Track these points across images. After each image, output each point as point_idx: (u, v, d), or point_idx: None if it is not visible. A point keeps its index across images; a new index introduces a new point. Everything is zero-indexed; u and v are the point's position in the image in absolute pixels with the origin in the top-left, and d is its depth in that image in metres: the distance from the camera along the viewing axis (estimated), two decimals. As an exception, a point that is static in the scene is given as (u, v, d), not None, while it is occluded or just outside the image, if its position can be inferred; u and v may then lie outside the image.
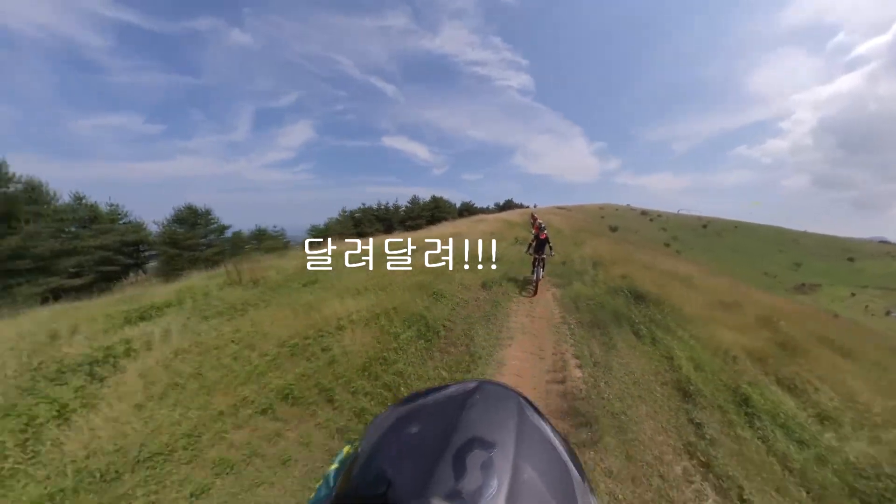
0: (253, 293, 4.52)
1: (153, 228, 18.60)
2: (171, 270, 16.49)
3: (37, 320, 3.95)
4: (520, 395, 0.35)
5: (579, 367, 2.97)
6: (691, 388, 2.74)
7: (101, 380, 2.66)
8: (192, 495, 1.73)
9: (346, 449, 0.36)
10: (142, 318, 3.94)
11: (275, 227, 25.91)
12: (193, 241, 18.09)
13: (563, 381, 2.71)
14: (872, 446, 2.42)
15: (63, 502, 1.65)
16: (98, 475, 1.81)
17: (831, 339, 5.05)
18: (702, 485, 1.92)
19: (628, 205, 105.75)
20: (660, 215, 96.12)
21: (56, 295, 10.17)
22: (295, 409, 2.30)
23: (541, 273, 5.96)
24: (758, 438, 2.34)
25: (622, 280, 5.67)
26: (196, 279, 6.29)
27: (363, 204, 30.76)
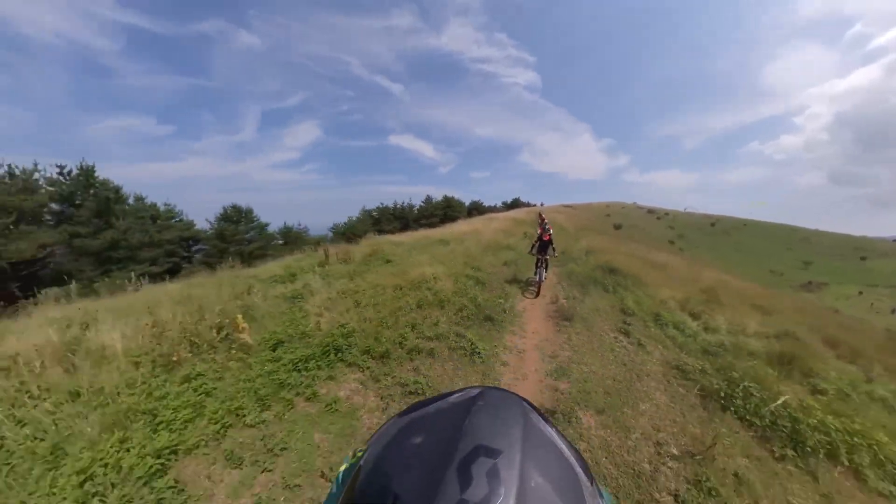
0: (351, 267, 6.75)
1: (203, 226, 21.14)
2: (219, 263, 19.01)
3: (207, 284, 6.18)
4: (524, 400, 0.34)
5: (565, 299, 5.16)
6: (628, 311, 4.88)
7: (300, 305, 4.87)
8: (396, 342, 3.90)
9: (348, 459, 0.36)
10: (287, 281, 6.17)
11: (299, 224, 28.38)
12: (239, 236, 20.60)
13: (555, 303, 4.92)
14: (727, 338, 4.51)
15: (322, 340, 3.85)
16: (337, 333, 4.00)
17: (758, 303, 7.09)
18: (620, 338, 4.07)
19: (635, 203, 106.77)
20: (667, 213, 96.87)
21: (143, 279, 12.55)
22: (426, 310, 4.44)
23: (544, 274, 6.06)
24: (659, 330, 4.46)
25: (605, 262, 7.77)
26: (287, 260, 8.56)
27: (381, 203, 33.09)
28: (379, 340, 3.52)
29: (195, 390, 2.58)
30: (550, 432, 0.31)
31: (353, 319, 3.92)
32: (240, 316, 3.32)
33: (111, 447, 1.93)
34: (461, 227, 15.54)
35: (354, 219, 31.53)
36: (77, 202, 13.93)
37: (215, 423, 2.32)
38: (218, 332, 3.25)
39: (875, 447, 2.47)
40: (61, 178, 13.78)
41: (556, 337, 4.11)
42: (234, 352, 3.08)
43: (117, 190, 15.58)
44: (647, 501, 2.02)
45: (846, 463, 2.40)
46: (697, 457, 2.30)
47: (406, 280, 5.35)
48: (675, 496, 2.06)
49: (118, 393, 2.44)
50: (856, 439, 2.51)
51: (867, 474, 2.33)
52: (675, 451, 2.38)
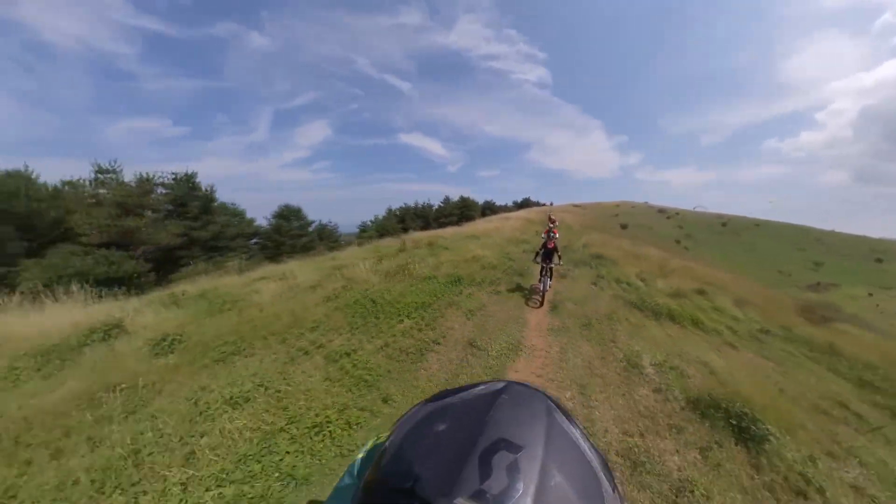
0: (424, 251, 10.27)
1: (262, 223, 25.08)
2: (276, 255, 22.85)
3: (340, 257, 9.77)
4: (549, 397, 0.34)
5: (564, 270, 8.63)
6: (601, 276, 8.31)
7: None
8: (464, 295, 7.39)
9: (371, 442, 0.37)
10: (382, 260, 9.73)
11: (330, 222, 32.23)
12: (293, 232, 24.47)
13: (557, 272, 8.41)
14: (655, 288, 7.88)
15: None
16: (452, 276, 7.52)
17: (699, 277, 10.38)
18: (591, 286, 7.57)
19: (646, 202, 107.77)
20: (678, 213, 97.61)
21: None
22: (487, 270, 7.90)
23: (548, 283, 6.24)
24: (616, 284, 7.87)
25: (595, 252, 11.17)
26: (370, 246, 12.16)
27: (404, 204, 36.78)
28: (474, 279, 7.06)
29: (410, 287, 6.11)
30: (575, 433, 0.31)
31: (456, 271, 7.45)
32: (409, 264, 6.88)
33: (400, 301, 5.49)
34: (484, 225, 19.05)
35: (381, 217, 35.29)
36: (183, 202, 17.86)
37: (428, 297, 5.82)
38: (401, 271, 6.82)
39: (692, 316, 5.89)
40: (174, 182, 17.73)
41: (557, 284, 7.57)
42: (412, 279, 6.63)
43: (212, 192, 19.55)
44: (593, 316, 5.48)
45: (679, 322, 5.81)
46: (612, 316, 5.75)
47: (467, 257, 8.87)
48: (605, 318, 5.52)
49: (374, 288, 5.98)
50: (685, 313, 5.93)
51: (686, 325, 5.74)
52: (604, 313, 5.84)
